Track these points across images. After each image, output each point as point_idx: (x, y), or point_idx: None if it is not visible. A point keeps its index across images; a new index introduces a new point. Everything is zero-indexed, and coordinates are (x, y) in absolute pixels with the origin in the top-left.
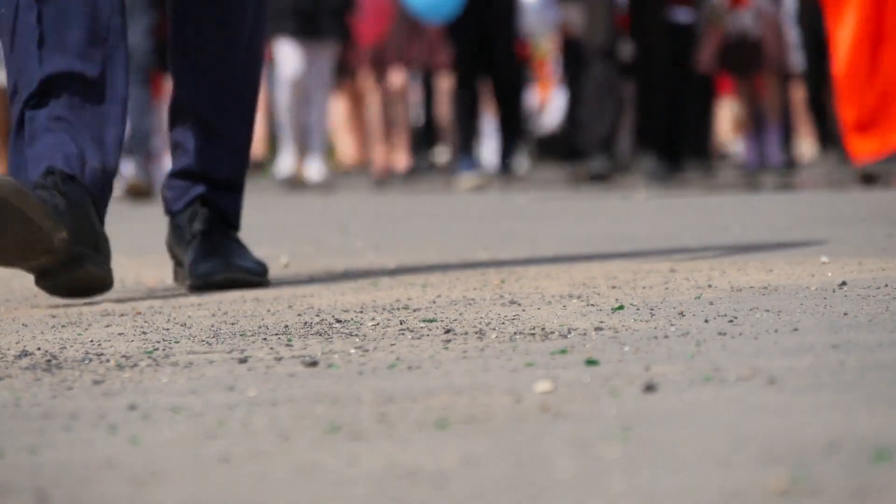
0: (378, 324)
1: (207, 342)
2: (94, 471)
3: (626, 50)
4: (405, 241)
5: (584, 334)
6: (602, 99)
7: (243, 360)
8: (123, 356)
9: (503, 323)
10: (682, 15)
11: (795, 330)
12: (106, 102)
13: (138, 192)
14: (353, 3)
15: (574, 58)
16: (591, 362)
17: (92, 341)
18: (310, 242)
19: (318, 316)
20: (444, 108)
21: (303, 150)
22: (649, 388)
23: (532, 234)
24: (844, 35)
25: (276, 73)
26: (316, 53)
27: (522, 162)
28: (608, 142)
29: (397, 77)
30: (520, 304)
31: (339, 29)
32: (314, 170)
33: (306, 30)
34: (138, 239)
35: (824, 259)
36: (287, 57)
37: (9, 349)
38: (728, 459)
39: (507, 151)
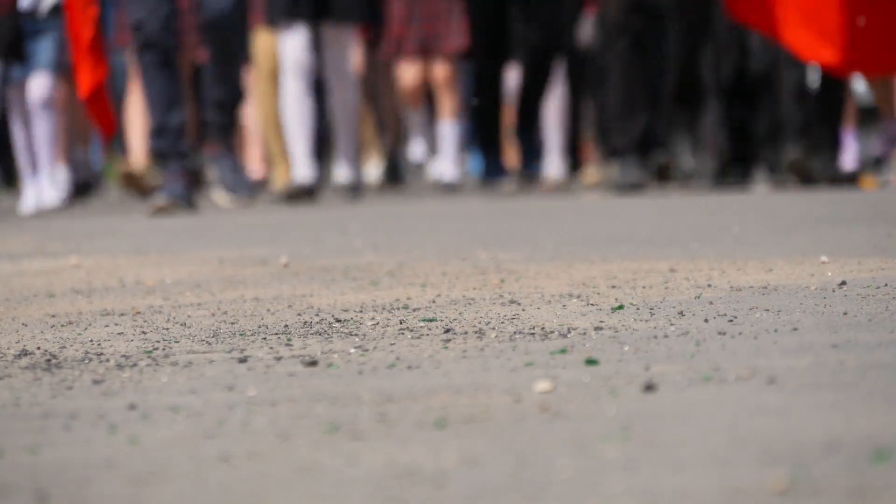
0: (378, 323)
1: (207, 342)
2: (94, 470)
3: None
4: (405, 241)
5: (584, 334)
6: (632, 88)
7: (243, 360)
8: (123, 356)
9: (503, 322)
10: None
11: (795, 330)
12: None
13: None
14: None
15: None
16: (590, 362)
17: (92, 341)
18: (309, 242)
19: (317, 315)
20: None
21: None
22: (649, 387)
23: (532, 234)
24: None
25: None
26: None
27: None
28: (644, 144)
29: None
30: (519, 304)
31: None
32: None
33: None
34: (138, 239)
35: (824, 259)
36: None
37: (9, 349)
38: (728, 459)
39: (528, 154)
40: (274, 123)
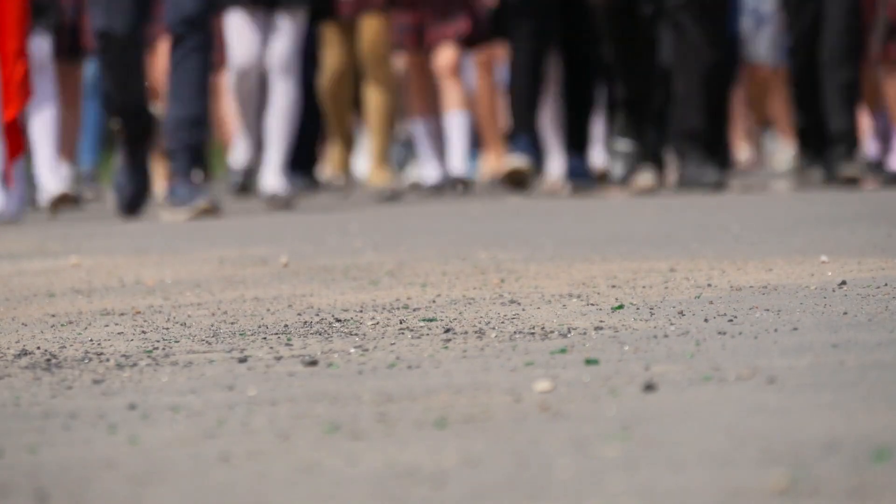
0: (378, 323)
1: (207, 342)
2: (94, 470)
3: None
4: (405, 241)
5: (584, 334)
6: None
7: (243, 360)
8: (123, 355)
9: (503, 322)
10: None
11: (795, 329)
12: None
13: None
14: None
15: None
16: (590, 362)
17: (92, 340)
18: (309, 242)
19: (317, 315)
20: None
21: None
22: (649, 387)
23: (532, 234)
24: None
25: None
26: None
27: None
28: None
29: None
30: (519, 304)
31: None
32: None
33: None
34: (138, 239)
35: (824, 258)
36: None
37: (9, 349)
38: (728, 459)
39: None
40: (381, 116)
